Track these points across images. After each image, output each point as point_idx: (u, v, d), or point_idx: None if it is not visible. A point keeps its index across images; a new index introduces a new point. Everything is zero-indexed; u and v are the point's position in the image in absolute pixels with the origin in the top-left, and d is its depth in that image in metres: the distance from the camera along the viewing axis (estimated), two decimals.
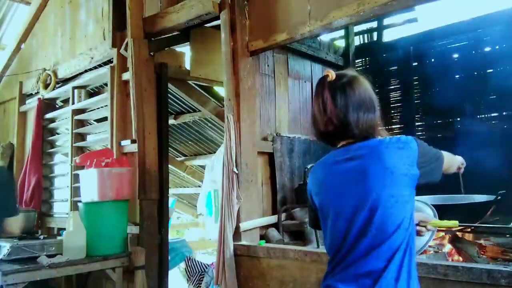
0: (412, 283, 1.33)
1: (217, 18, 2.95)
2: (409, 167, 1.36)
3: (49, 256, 2.87)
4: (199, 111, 4.50)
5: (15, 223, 3.45)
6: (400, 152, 1.37)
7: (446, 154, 1.56)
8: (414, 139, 1.41)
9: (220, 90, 4.30)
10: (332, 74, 1.47)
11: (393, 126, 4.78)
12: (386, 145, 1.38)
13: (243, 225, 2.76)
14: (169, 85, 3.76)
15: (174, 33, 3.53)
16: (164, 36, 3.53)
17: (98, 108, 3.96)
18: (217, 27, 3.04)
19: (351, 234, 1.38)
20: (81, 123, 4.19)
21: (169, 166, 4.17)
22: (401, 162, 1.36)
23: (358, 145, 1.42)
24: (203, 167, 5.32)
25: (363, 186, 1.37)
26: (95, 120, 4.31)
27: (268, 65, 3.67)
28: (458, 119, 4.22)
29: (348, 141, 1.46)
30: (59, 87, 4.44)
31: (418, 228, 1.53)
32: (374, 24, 5.04)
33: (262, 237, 3.10)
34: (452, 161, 1.66)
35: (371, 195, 1.35)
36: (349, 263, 1.37)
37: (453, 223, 1.61)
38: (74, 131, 4.10)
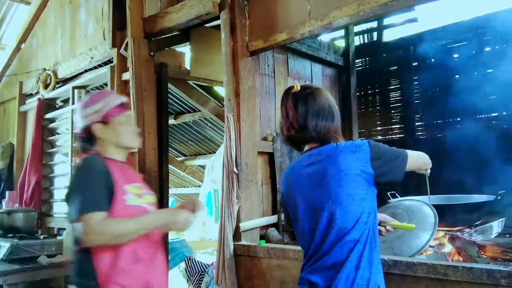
0: (374, 270, 1.51)
1: (217, 18, 2.95)
2: (362, 168, 1.53)
3: (49, 256, 2.87)
4: (199, 111, 4.50)
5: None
6: (353, 155, 1.54)
7: (413, 154, 1.66)
8: (368, 142, 1.58)
9: (220, 90, 4.30)
10: (297, 86, 1.70)
11: (393, 126, 4.78)
12: (340, 150, 1.56)
13: (243, 225, 2.76)
14: (169, 85, 3.76)
15: (174, 33, 3.53)
16: (164, 36, 3.52)
17: None
18: (217, 27, 3.04)
19: (318, 231, 1.57)
20: None
21: (169, 166, 4.17)
22: (354, 164, 1.53)
23: (318, 150, 1.62)
24: (203, 167, 5.33)
25: (324, 188, 1.56)
26: None
27: (268, 65, 3.67)
28: (458, 119, 4.22)
29: (310, 146, 1.66)
30: (59, 87, 4.44)
31: (378, 227, 1.69)
32: (374, 24, 5.04)
33: (262, 237, 3.10)
34: (424, 160, 1.75)
35: (330, 195, 1.54)
36: (318, 257, 1.57)
37: (410, 226, 1.75)
38: (74, 131, 4.10)
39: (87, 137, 1.81)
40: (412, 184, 2.01)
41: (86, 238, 1.52)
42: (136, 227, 1.61)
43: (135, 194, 1.73)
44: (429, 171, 1.82)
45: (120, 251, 1.62)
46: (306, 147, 1.69)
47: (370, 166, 1.53)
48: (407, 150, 1.64)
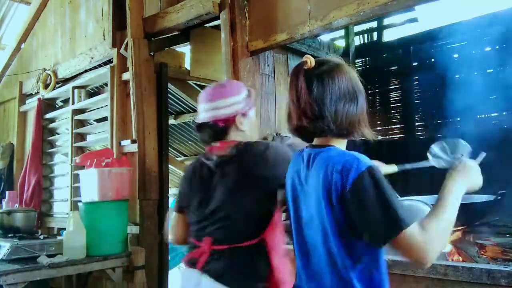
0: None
1: (217, 18, 2.95)
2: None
3: (49, 256, 2.86)
4: None
5: None
6: (337, 175, 1.15)
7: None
8: (361, 172, 1.13)
9: None
10: (311, 61, 1.28)
11: (393, 126, 4.78)
12: (331, 162, 1.18)
13: None
14: (169, 85, 3.76)
15: (174, 33, 3.53)
16: (164, 36, 3.52)
17: (98, 108, 3.96)
18: (217, 27, 3.04)
19: (302, 249, 1.32)
20: (81, 123, 4.19)
21: (169, 166, 4.16)
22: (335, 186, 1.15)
23: (320, 150, 1.26)
24: None
25: (310, 200, 1.25)
26: (95, 120, 4.31)
27: (268, 65, 3.67)
28: (458, 119, 4.22)
29: (323, 141, 1.29)
30: (59, 87, 4.44)
31: None
32: (374, 24, 5.04)
33: None
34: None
35: (312, 210, 1.24)
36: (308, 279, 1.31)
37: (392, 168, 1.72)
38: (74, 131, 4.10)
39: (224, 128, 1.64)
40: (412, 184, 2.00)
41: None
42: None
43: None
44: None
45: (282, 248, 1.55)
46: (316, 141, 1.32)
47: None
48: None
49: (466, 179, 1.28)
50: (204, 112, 1.66)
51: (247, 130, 1.68)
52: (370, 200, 1.11)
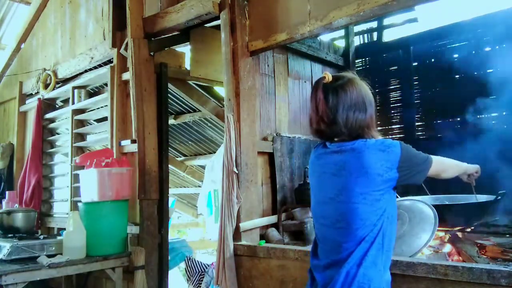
0: (379, 273, 1.48)
1: (217, 18, 2.95)
2: (386, 169, 1.48)
3: (49, 256, 2.87)
4: (199, 111, 4.50)
5: None
6: (381, 154, 1.49)
7: (438, 159, 1.64)
8: (400, 143, 1.52)
9: (220, 90, 4.30)
10: (328, 76, 1.59)
11: (393, 126, 4.78)
12: (368, 146, 1.50)
13: (243, 225, 2.76)
14: (169, 85, 3.76)
15: (174, 33, 3.53)
16: (164, 36, 3.52)
17: (98, 108, 3.97)
18: (217, 27, 3.04)
19: (325, 224, 1.59)
20: (81, 123, 4.19)
21: (169, 166, 4.17)
22: (379, 163, 1.48)
23: (347, 143, 1.55)
24: (203, 167, 5.33)
25: (339, 180, 1.53)
26: (95, 120, 4.31)
27: (268, 65, 3.67)
28: (458, 119, 4.22)
29: (342, 139, 1.58)
30: (59, 87, 4.44)
31: None
32: (374, 24, 5.04)
33: (262, 237, 3.10)
34: (447, 166, 1.75)
35: (344, 189, 1.51)
36: (322, 252, 1.60)
37: None
38: (74, 131, 4.10)
39: None
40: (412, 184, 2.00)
41: None
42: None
43: None
44: (473, 179, 1.88)
45: None
46: (336, 140, 1.63)
47: (396, 170, 1.49)
48: (433, 156, 1.61)
49: None
50: None
51: None
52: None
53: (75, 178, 4.00)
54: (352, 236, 1.48)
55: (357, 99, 1.55)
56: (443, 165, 1.73)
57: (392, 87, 4.77)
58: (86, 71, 4.16)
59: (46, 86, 4.53)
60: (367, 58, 5.00)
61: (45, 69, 4.60)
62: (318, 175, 1.64)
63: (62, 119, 4.44)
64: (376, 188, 1.47)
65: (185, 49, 3.98)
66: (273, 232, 3.22)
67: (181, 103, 4.56)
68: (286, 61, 3.93)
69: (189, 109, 4.66)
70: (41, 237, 3.35)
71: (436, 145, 4.24)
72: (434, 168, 1.60)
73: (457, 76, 4.23)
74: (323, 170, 1.61)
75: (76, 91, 4.11)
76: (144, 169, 3.30)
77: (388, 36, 4.99)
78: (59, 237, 3.25)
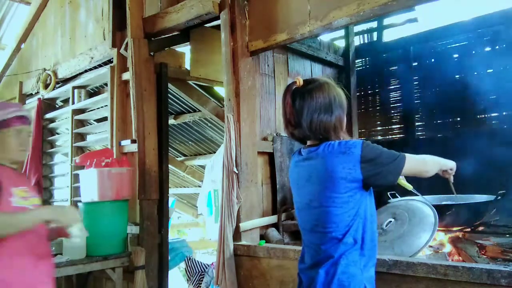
0: (359, 270, 1.50)
1: (217, 18, 2.95)
2: (349, 171, 1.48)
3: None
4: (199, 111, 4.50)
5: None
6: (342, 156, 1.49)
7: (413, 158, 1.58)
8: (361, 143, 1.50)
9: (220, 90, 4.30)
10: (300, 81, 1.62)
11: (393, 126, 4.78)
12: (330, 150, 1.52)
13: (243, 225, 2.76)
14: (169, 85, 3.76)
15: (174, 33, 3.53)
16: (164, 36, 3.52)
17: (98, 108, 3.97)
18: (217, 27, 3.04)
19: (305, 229, 1.65)
20: (81, 123, 4.19)
21: (169, 166, 4.17)
22: (341, 166, 1.49)
23: (314, 148, 1.58)
24: (203, 167, 5.32)
25: (311, 186, 1.57)
26: (95, 120, 4.31)
27: (268, 65, 3.67)
28: (458, 119, 4.22)
29: (312, 142, 1.63)
30: (59, 87, 4.44)
31: None
32: (374, 24, 5.04)
33: (262, 237, 3.10)
34: (426, 164, 1.66)
35: (315, 194, 1.55)
36: (305, 255, 1.66)
37: (408, 186, 1.95)
38: (74, 131, 4.10)
39: None
40: (412, 184, 2.00)
41: None
42: (17, 220, 1.63)
43: (21, 196, 1.80)
44: (451, 176, 1.78)
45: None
46: (308, 142, 1.67)
47: (359, 170, 1.48)
48: (406, 154, 1.55)
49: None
50: None
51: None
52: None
53: (75, 178, 4.00)
54: (328, 238, 1.52)
55: (323, 102, 1.57)
56: (422, 163, 1.64)
57: (392, 87, 4.77)
58: (86, 71, 4.16)
59: (46, 86, 4.53)
60: (367, 58, 5.01)
61: (45, 69, 4.60)
62: (296, 182, 1.69)
63: (62, 119, 4.44)
64: (342, 191, 1.49)
65: (185, 49, 3.98)
66: (273, 232, 3.22)
67: (181, 103, 4.56)
68: (286, 61, 3.93)
69: (189, 109, 4.66)
70: None
71: (436, 145, 4.25)
72: (410, 167, 1.55)
73: (457, 76, 4.23)
74: (298, 177, 1.65)
75: (76, 91, 4.11)
76: (144, 169, 3.30)
77: (388, 36, 5.00)
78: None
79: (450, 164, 1.75)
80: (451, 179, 1.82)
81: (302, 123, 1.57)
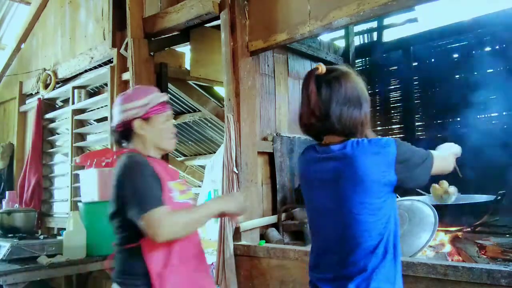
0: (389, 283, 1.36)
1: (217, 18, 2.95)
2: (383, 173, 1.33)
3: (49, 256, 2.87)
4: (199, 111, 4.50)
5: None
6: (375, 157, 1.33)
7: (439, 156, 1.47)
8: (395, 142, 1.35)
9: (220, 90, 4.30)
10: (322, 68, 1.44)
11: (393, 126, 4.78)
12: (361, 149, 1.34)
13: (243, 225, 2.76)
14: (169, 85, 3.76)
15: (174, 33, 3.53)
16: (164, 36, 3.52)
17: (98, 108, 3.96)
18: (217, 27, 3.04)
19: (328, 236, 1.44)
20: (81, 123, 4.19)
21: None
22: (375, 168, 1.32)
23: (339, 146, 1.40)
24: (203, 167, 5.32)
25: (337, 189, 1.38)
26: (95, 120, 4.31)
27: (268, 65, 3.67)
28: (458, 119, 4.22)
29: (330, 139, 1.44)
30: (59, 87, 4.44)
31: None
32: (374, 24, 5.04)
33: (262, 237, 3.10)
34: (448, 160, 1.56)
35: (343, 199, 1.36)
36: (326, 264, 1.43)
37: None
38: (74, 131, 4.10)
39: (125, 133, 1.75)
40: None
41: (158, 231, 1.44)
42: (200, 214, 1.58)
43: (179, 190, 1.70)
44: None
45: (171, 249, 1.60)
46: (327, 139, 1.46)
47: (394, 172, 1.33)
48: (433, 152, 1.44)
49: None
50: (114, 116, 1.78)
51: (150, 135, 1.72)
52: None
53: (75, 178, 4.00)
54: (358, 249, 1.35)
55: (352, 94, 1.41)
56: (445, 161, 1.52)
57: (392, 87, 4.77)
58: (86, 71, 4.16)
59: (46, 86, 4.53)
60: (367, 58, 5.01)
61: (45, 69, 4.60)
62: (311, 183, 1.49)
63: (62, 119, 4.44)
64: (375, 195, 1.33)
65: (185, 49, 3.98)
66: (273, 232, 3.22)
67: (181, 103, 4.56)
68: (286, 61, 3.93)
69: (189, 109, 4.66)
70: (41, 237, 3.35)
71: (436, 145, 4.24)
72: (436, 167, 1.42)
73: (457, 76, 4.23)
74: (316, 177, 1.46)
75: (76, 91, 4.11)
76: None
77: (388, 36, 5.00)
78: (59, 237, 3.25)
79: (460, 150, 1.67)
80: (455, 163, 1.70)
81: (330, 115, 1.38)
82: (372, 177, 1.32)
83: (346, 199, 1.36)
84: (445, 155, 1.56)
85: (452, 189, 2.63)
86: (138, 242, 1.60)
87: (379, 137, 1.41)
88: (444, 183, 2.61)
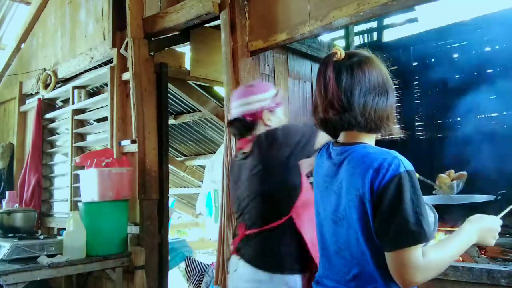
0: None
1: (217, 18, 2.95)
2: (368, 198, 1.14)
3: (49, 256, 2.87)
4: (199, 111, 4.50)
5: None
6: (373, 173, 1.12)
7: None
8: (406, 170, 1.12)
9: (220, 90, 4.31)
10: (340, 52, 1.21)
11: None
12: (363, 161, 1.15)
13: None
14: (169, 85, 3.76)
15: (174, 33, 3.53)
16: (164, 36, 3.53)
17: (98, 108, 3.97)
18: (217, 27, 3.04)
19: (329, 246, 1.27)
20: (81, 123, 4.19)
21: (169, 166, 4.17)
22: (367, 185, 1.13)
23: (346, 148, 1.23)
24: (203, 167, 5.33)
25: (339, 200, 1.21)
26: (95, 120, 4.31)
27: (268, 65, 3.67)
28: (458, 119, 4.22)
29: (349, 137, 1.25)
30: (59, 87, 4.44)
31: None
32: (374, 24, 5.03)
33: None
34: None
35: (344, 213, 1.20)
36: (329, 277, 1.27)
37: None
38: (74, 131, 4.10)
39: (251, 123, 1.79)
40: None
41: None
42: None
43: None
44: None
45: (305, 214, 1.62)
46: (343, 136, 1.26)
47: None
48: None
49: (482, 234, 1.28)
50: (235, 108, 1.83)
51: (274, 126, 1.79)
52: (402, 203, 1.10)
53: (75, 178, 4.00)
54: (360, 269, 1.17)
55: (377, 81, 1.21)
56: None
57: None
58: (86, 71, 4.16)
59: (46, 86, 4.53)
60: None
61: (45, 69, 4.60)
62: (320, 187, 1.31)
63: (62, 119, 4.44)
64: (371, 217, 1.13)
65: (185, 49, 3.99)
66: None
67: (181, 103, 4.57)
68: (286, 61, 3.93)
69: (189, 109, 4.66)
70: (41, 237, 3.35)
71: (436, 145, 4.24)
72: None
73: (457, 76, 4.22)
74: (324, 182, 1.29)
75: (76, 91, 4.11)
76: (144, 169, 3.30)
77: (388, 36, 4.99)
78: (59, 237, 3.25)
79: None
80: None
81: (353, 106, 1.17)
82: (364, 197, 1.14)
83: (347, 214, 1.20)
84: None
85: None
86: (287, 216, 1.60)
87: (401, 134, 1.32)
88: (452, 172, 2.61)
